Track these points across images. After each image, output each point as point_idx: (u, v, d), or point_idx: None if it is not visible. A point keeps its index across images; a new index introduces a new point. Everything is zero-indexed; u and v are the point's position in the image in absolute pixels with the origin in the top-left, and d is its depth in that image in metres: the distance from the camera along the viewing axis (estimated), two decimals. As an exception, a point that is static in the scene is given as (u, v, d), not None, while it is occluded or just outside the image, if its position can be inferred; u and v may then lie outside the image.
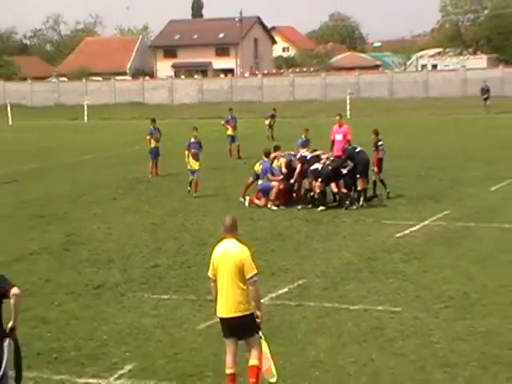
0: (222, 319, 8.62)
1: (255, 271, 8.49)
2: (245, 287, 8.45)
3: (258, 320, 8.55)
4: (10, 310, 7.42)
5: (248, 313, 8.49)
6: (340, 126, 22.74)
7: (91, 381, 9.31)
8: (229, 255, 8.49)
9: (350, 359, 9.62)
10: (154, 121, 27.84)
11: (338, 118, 23.27)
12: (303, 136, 23.92)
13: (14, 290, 7.41)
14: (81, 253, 15.71)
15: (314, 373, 9.26)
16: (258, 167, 20.65)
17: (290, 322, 10.97)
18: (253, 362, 8.52)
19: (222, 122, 32.98)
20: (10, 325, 7.49)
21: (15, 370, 7.61)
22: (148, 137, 27.18)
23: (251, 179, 20.77)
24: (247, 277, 8.41)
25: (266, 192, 20.13)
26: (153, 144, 26.85)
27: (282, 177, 20.19)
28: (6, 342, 7.49)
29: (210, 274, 8.71)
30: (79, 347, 10.35)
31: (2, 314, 7.48)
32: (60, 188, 24.62)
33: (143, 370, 9.54)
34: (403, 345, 10.05)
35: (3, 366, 7.46)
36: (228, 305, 8.47)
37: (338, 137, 22.25)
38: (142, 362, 9.77)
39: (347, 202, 19.42)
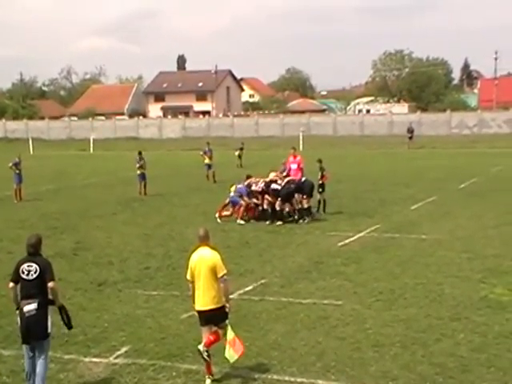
0: (200, 311, 8.54)
1: (225, 271, 8.43)
2: (217, 285, 8.38)
3: (226, 310, 8.50)
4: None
5: (220, 305, 8.43)
6: (294, 157, 22.67)
7: (95, 360, 9.19)
8: (204, 259, 8.42)
9: (301, 342, 9.61)
10: (140, 153, 27.64)
11: (292, 150, 23.16)
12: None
13: (50, 284, 7.86)
14: (87, 257, 15.53)
15: (274, 353, 9.22)
16: (233, 189, 20.29)
17: (254, 313, 10.93)
18: (218, 330, 8.51)
19: (201, 153, 32.85)
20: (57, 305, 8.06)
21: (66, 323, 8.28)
22: (137, 165, 27.05)
23: (228, 200, 20.17)
24: (219, 276, 8.34)
25: (234, 204, 19.91)
26: (139, 171, 26.71)
27: (254, 200, 19.98)
28: (49, 308, 7.95)
29: (188, 276, 8.61)
30: (85, 332, 10.23)
31: (47, 289, 7.86)
32: (71, 205, 24.31)
33: (136, 351, 9.44)
34: (343, 330, 10.08)
35: (49, 324, 7.92)
36: (205, 299, 8.40)
37: (293, 166, 22.16)
38: (135, 344, 9.67)
39: (296, 217, 19.47)
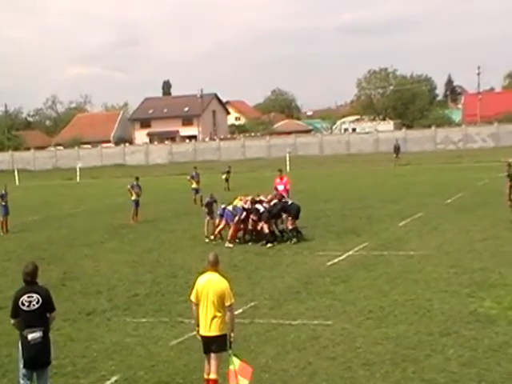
0: (203, 336, 8.45)
1: (233, 300, 8.39)
2: (221, 312, 8.30)
3: (231, 339, 8.36)
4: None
5: (223, 333, 8.34)
6: (281, 178, 22.86)
7: (84, 391, 9.15)
8: (212, 285, 8.34)
9: (292, 364, 9.60)
10: (137, 178, 27.62)
11: (278, 172, 23.45)
12: None
13: (53, 314, 8.23)
14: (75, 286, 15.45)
15: (264, 376, 9.20)
16: (236, 202, 20.20)
17: (244, 336, 10.87)
18: (212, 376, 8.36)
19: (188, 177, 32.93)
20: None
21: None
22: (129, 187, 26.96)
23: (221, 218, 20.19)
24: (226, 304, 8.28)
25: (227, 220, 19.85)
26: (134, 196, 26.70)
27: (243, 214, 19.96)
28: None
29: (192, 298, 8.54)
30: (74, 363, 10.16)
31: (48, 318, 8.13)
32: (58, 234, 24.23)
33: (126, 379, 9.39)
34: (334, 350, 10.08)
35: (52, 352, 8.18)
36: (208, 325, 8.33)
37: (280, 187, 22.34)
38: (125, 373, 9.62)
39: (284, 238, 19.50)
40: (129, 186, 27.03)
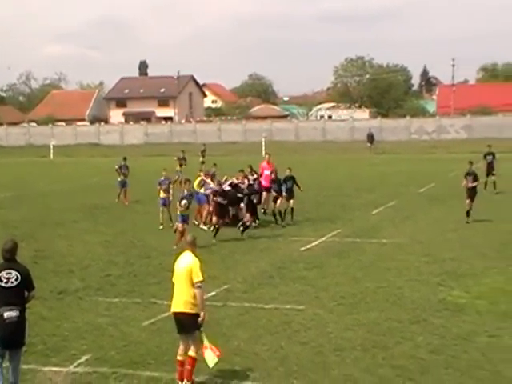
0: (172, 313, 8.50)
1: (201, 278, 8.37)
2: (191, 290, 8.32)
3: (200, 318, 8.33)
4: None
5: (192, 312, 8.31)
6: (268, 163, 22.63)
7: (54, 369, 9.08)
8: (183, 263, 8.51)
9: (264, 347, 9.66)
10: (125, 159, 26.93)
11: (267, 156, 23.20)
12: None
13: (32, 293, 8.05)
14: (47, 265, 15.30)
15: (236, 359, 9.25)
16: (198, 182, 20.07)
17: (217, 319, 10.88)
18: (191, 353, 8.36)
19: (175, 158, 32.88)
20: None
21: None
22: (116, 167, 26.31)
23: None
24: (194, 281, 8.32)
25: (199, 202, 19.67)
26: (120, 177, 26.11)
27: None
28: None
29: (173, 279, 8.65)
30: (45, 342, 10.10)
31: (25, 297, 7.96)
32: (31, 212, 23.93)
33: (97, 359, 9.36)
34: (306, 335, 10.17)
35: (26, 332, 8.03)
36: (177, 302, 8.42)
37: (267, 172, 22.01)
38: (96, 353, 9.58)
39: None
40: (116, 167, 26.47)
